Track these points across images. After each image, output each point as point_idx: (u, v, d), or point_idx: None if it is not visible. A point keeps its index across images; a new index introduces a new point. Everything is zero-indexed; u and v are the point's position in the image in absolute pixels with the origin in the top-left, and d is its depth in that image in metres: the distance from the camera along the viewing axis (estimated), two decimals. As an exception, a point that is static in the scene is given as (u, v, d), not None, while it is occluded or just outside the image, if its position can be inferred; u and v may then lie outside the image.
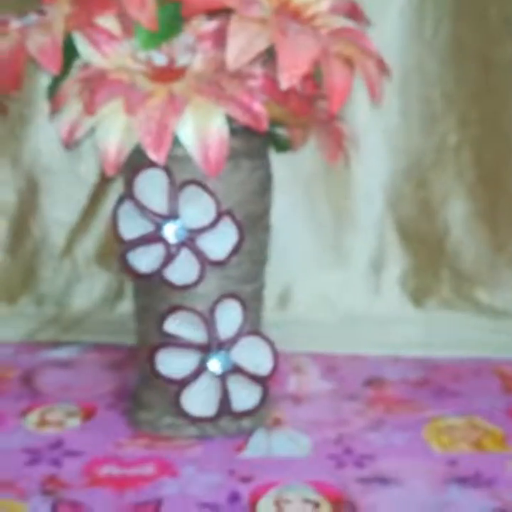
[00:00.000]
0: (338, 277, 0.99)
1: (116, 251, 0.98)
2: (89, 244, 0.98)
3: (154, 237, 0.64)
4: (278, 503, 0.58)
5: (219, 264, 0.66)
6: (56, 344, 0.90)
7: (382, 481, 0.60)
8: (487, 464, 0.63)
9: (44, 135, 0.95)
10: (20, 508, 0.58)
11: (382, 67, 0.63)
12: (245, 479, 0.61)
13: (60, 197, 0.98)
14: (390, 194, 0.97)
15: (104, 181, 0.97)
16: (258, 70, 0.63)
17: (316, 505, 0.58)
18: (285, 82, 0.55)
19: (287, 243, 0.97)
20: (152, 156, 0.59)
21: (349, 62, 0.59)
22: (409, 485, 0.60)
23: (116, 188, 0.99)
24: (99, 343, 0.90)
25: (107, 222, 0.97)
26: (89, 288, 0.98)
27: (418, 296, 0.98)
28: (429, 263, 0.98)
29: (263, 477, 0.61)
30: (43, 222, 0.98)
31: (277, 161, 0.75)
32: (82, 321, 0.95)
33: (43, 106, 0.93)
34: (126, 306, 0.97)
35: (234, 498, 0.59)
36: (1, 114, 0.69)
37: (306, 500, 0.58)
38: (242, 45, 0.56)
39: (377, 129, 0.96)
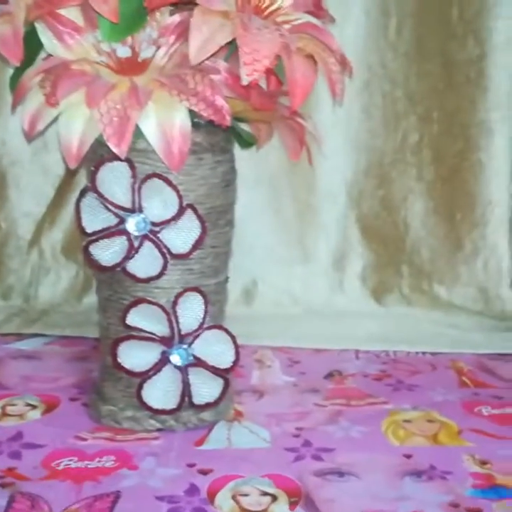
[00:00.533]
0: (301, 272, 1.00)
1: (82, 243, 0.98)
2: (56, 236, 0.98)
3: (117, 230, 0.64)
4: (235, 496, 0.58)
5: (181, 257, 0.66)
6: (21, 336, 0.90)
7: (340, 474, 0.61)
8: (442, 458, 0.64)
9: (10, 127, 0.94)
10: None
11: (344, 64, 0.64)
12: (204, 472, 0.62)
13: (26, 189, 0.97)
14: (353, 191, 0.99)
15: (70, 173, 0.96)
16: (221, 64, 0.63)
17: (274, 498, 0.58)
18: (246, 77, 0.56)
19: (252, 239, 0.98)
20: (114, 148, 0.59)
21: (311, 59, 0.60)
22: (367, 478, 0.61)
23: (83, 180, 0.99)
24: (64, 336, 0.90)
25: (73, 214, 0.97)
26: (56, 280, 0.98)
27: (378, 291, 0.99)
28: (389, 260, 0.99)
29: (222, 470, 0.62)
30: (10, 214, 0.97)
31: (242, 157, 0.75)
32: (48, 313, 0.95)
33: (9, 97, 0.93)
34: (93, 298, 0.97)
35: (192, 490, 0.59)
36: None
37: (264, 493, 0.59)
38: (204, 38, 0.56)
39: (340, 126, 0.96)
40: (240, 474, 0.61)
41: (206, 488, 0.59)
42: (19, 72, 0.66)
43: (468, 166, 0.94)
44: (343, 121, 0.97)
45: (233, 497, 0.58)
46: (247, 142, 0.74)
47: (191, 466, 0.63)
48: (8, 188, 0.98)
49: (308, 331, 0.94)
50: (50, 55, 0.64)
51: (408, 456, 0.64)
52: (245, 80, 0.56)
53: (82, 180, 0.97)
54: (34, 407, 0.73)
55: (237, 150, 0.73)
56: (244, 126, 0.74)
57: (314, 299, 0.99)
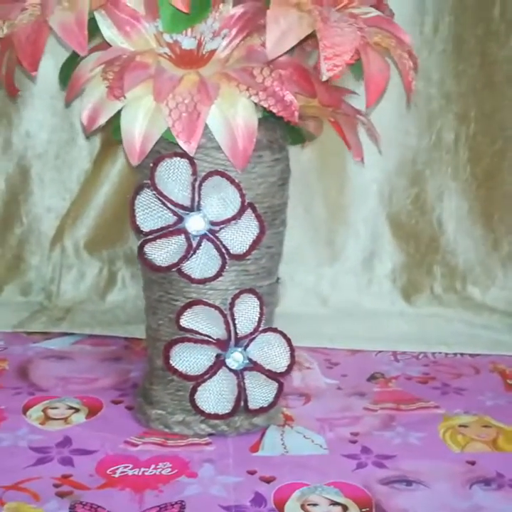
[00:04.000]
0: (330, 272, 0.98)
1: (107, 239, 0.96)
2: (79, 232, 0.95)
3: (175, 230, 0.62)
4: (304, 506, 0.56)
5: (239, 257, 0.64)
6: (47, 335, 0.87)
7: (407, 482, 0.59)
8: (507, 465, 0.62)
9: (36, 120, 0.91)
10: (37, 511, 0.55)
11: (414, 59, 0.62)
12: (267, 480, 0.60)
13: (50, 183, 0.94)
14: (384, 190, 0.97)
15: (96, 168, 0.93)
16: (287, 58, 0.61)
17: (345, 508, 0.56)
18: (327, 72, 0.53)
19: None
20: (184, 145, 0.57)
21: (386, 53, 0.58)
22: (435, 487, 0.59)
23: (110, 176, 0.96)
24: (92, 335, 0.88)
25: (99, 210, 0.94)
26: (79, 277, 0.95)
27: (409, 291, 0.98)
28: (421, 259, 0.98)
29: (284, 478, 0.60)
30: (32, 209, 0.94)
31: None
32: (73, 311, 0.92)
33: (36, 89, 0.90)
34: (117, 296, 0.95)
35: (258, 500, 0.57)
36: (12, 97, 0.65)
37: (333, 503, 0.57)
38: (281, 31, 0.54)
39: (374, 124, 0.95)
40: (304, 482, 0.59)
41: (272, 497, 0.58)
42: (70, 62, 0.63)
43: (507, 167, 0.93)
44: (376, 119, 0.95)
45: (302, 507, 0.56)
46: (299, 139, 0.72)
47: (252, 473, 0.61)
48: (31, 183, 0.95)
49: (340, 331, 0.92)
50: (106, 45, 0.62)
51: (472, 463, 0.63)
52: (325, 76, 0.54)
53: (108, 176, 0.94)
54: (77, 410, 0.70)
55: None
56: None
57: (343, 299, 0.98)
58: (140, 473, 0.60)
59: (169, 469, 0.61)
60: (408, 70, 0.59)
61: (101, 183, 0.95)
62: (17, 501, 0.55)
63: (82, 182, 0.95)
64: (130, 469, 0.61)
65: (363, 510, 0.56)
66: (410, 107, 0.92)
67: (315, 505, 0.57)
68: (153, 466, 0.62)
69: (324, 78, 0.54)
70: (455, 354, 0.87)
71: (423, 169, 0.96)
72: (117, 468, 0.61)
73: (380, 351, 0.87)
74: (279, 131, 0.66)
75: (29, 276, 0.96)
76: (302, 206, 0.97)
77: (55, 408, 0.70)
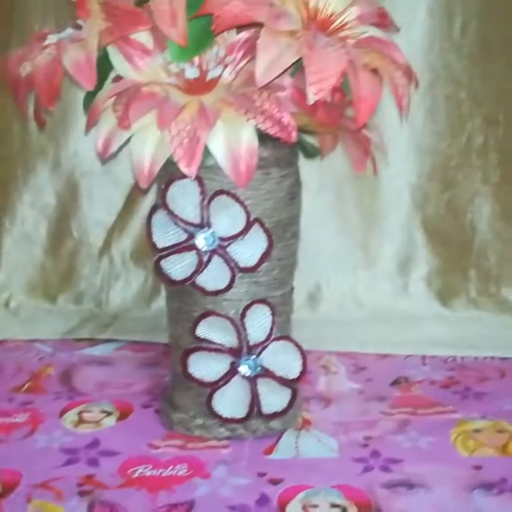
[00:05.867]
0: (365, 277, 1.00)
1: (151, 251, 1.01)
2: (125, 243, 1.01)
3: (187, 246, 0.66)
4: (305, 508, 0.59)
5: (249, 270, 0.68)
6: (93, 342, 0.93)
7: (409, 486, 0.62)
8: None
9: (83, 140, 0.97)
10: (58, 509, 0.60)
11: (410, 76, 0.64)
12: (274, 482, 0.63)
13: (98, 199, 1.00)
14: (417, 195, 0.98)
15: (139, 185, 0.99)
16: (287, 80, 0.64)
17: (343, 509, 0.59)
18: (313, 97, 0.56)
19: (317, 244, 0.98)
20: (184, 169, 0.61)
21: (377, 74, 0.60)
22: (436, 490, 0.61)
23: (153, 189, 1.02)
24: (135, 341, 0.93)
25: (142, 222, 0.99)
26: (126, 286, 1.01)
27: (444, 295, 0.99)
28: (455, 263, 0.98)
29: (291, 480, 0.63)
30: (82, 222, 1.00)
31: (306, 163, 0.76)
32: (119, 318, 0.98)
33: (82, 112, 0.96)
34: (161, 303, 1.00)
35: (263, 500, 0.60)
36: (39, 127, 0.71)
37: (333, 505, 0.60)
38: (271, 59, 0.57)
39: (404, 130, 0.96)
40: (309, 484, 0.62)
41: (276, 499, 0.61)
42: (91, 94, 0.68)
43: (536, 169, 0.93)
44: (407, 125, 0.97)
45: (303, 508, 0.60)
46: (311, 153, 0.75)
47: (262, 475, 0.64)
48: (80, 198, 1.01)
49: (373, 336, 0.94)
50: (120, 77, 0.66)
51: (478, 468, 0.64)
52: (312, 100, 0.56)
53: (151, 190, 0.99)
54: (109, 413, 0.75)
55: (301, 157, 0.74)
56: (308, 138, 0.75)
57: (379, 303, 0.99)
58: (158, 474, 0.65)
59: (185, 470, 0.65)
60: (400, 89, 0.61)
61: (143, 197, 1.00)
62: (42, 499, 0.61)
63: (126, 196, 1.01)
64: (149, 470, 0.66)
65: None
66: (402, 122, 0.92)
67: (315, 506, 0.60)
68: (170, 467, 0.66)
69: (311, 102, 0.57)
70: (485, 358, 0.88)
71: (455, 174, 0.97)
72: (137, 469, 0.66)
73: (408, 355, 0.89)
74: (288, 147, 0.69)
75: (81, 285, 1.03)
76: (336, 213, 1.00)
77: (89, 412, 0.76)
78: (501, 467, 0.64)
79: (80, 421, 0.74)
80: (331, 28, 0.62)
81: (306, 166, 0.75)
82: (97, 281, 1.02)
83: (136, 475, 0.65)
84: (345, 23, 0.62)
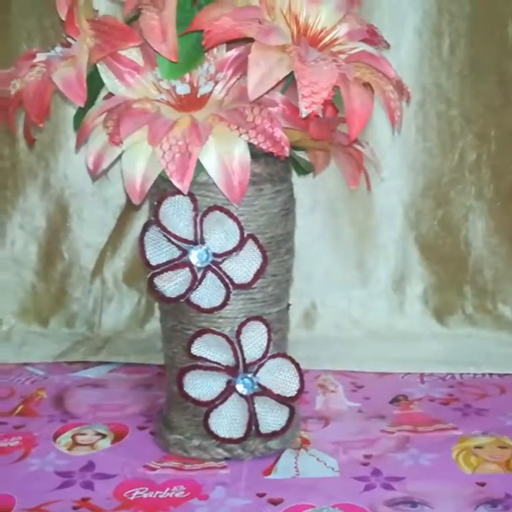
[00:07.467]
0: (360, 295, 0.99)
1: (144, 271, 1.00)
2: (117, 265, 1.00)
3: (180, 263, 0.66)
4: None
5: (244, 287, 0.67)
6: (86, 364, 0.91)
7: (412, 504, 0.60)
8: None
9: (72, 161, 0.97)
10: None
11: (402, 90, 0.64)
12: (274, 502, 0.62)
13: (88, 220, 0.99)
14: (410, 212, 0.98)
15: (131, 204, 0.98)
16: (278, 96, 0.64)
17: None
18: (305, 110, 0.56)
19: (311, 262, 0.98)
20: (177, 184, 0.60)
21: (368, 87, 0.60)
22: (440, 508, 0.60)
23: (143, 210, 1.01)
24: (128, 363, 0.92)
25: (134, 243, 0.99)
26: (119, 308, 1.00)
27: (441, 312, 0.98)
28: (451, 280, 0.98)
29: (291, 500, 0.62)
30: (73, 244, 1.00)
31: (299, 181, 0.76)
32: (112, 340, 0.97)
33: (71, 132, 0.96)
34: (155, 325, 0.99)
35: (263, 520, 0.59)
36: (30, 146, 0.70)
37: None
38: (262, 73, 0.57)
39: (396, 147, 0.96)
40: (310, 504, 0.61)
41: (277, 519, 0.60)
42: (82, 111, 0.68)
43: (529, 184, 0.93)
44: (399, 143, 0.97)
45: (304, 528, 0.58)
46: (304, 170, 0.74)
47: (261, 496, 0.63)
48: (70, 220, 1.00)
49: (370, 354, 0.93)
50: (111, 95, 0.66)
51: (482, 485, 0.63)
52: (304, 113, 0.56)
53: (142, 210, 0.99)
54: (104, 436, 0.74)
55: (295, 175, 0.74)
56: (301, 154, 0.75)
57: (375, 321, 0.99)
58: (154, 496, 0.63)
59: (183, 492, 0.64)
60: (392, 102, 0.61)
61: (135, 217, 0.99)
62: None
63: (118, 217, 1.01)
64: (146, 492, 0.64)
65: (363, 530, 0.57)
66: (394, 135, 0.93)
67: (317, 526, 0.58)
68: (167, 489, 0.65)
69: (303, 116, 0.57)
70: (483, 374, 0.87)
71: (448, 190, 0.97)
72: (134, 491, 0.64)
73: (407, 373, 0.88)
74: (281, 163, 0.68)
75: (73, 308, 1.02)
76: (331, 231, 1.00)
77: (84, 434, 0.74)
78: (505, 483, 0.63)
79: (74, 444, 0.73)
80: (322, 43, 0.62)
81: (299, 184, 0.75)
82: (89, 304, 1.01)
83: (132, 497, 0.63)
84: (336, 39, 0.63)
